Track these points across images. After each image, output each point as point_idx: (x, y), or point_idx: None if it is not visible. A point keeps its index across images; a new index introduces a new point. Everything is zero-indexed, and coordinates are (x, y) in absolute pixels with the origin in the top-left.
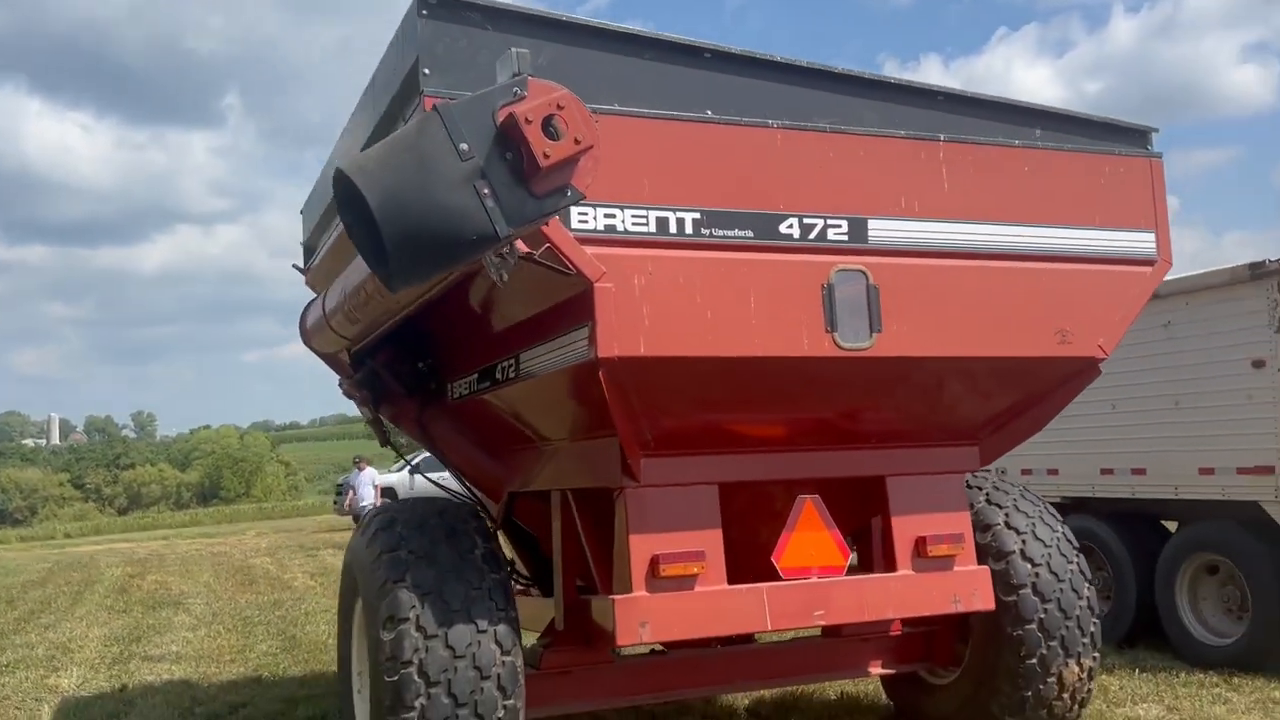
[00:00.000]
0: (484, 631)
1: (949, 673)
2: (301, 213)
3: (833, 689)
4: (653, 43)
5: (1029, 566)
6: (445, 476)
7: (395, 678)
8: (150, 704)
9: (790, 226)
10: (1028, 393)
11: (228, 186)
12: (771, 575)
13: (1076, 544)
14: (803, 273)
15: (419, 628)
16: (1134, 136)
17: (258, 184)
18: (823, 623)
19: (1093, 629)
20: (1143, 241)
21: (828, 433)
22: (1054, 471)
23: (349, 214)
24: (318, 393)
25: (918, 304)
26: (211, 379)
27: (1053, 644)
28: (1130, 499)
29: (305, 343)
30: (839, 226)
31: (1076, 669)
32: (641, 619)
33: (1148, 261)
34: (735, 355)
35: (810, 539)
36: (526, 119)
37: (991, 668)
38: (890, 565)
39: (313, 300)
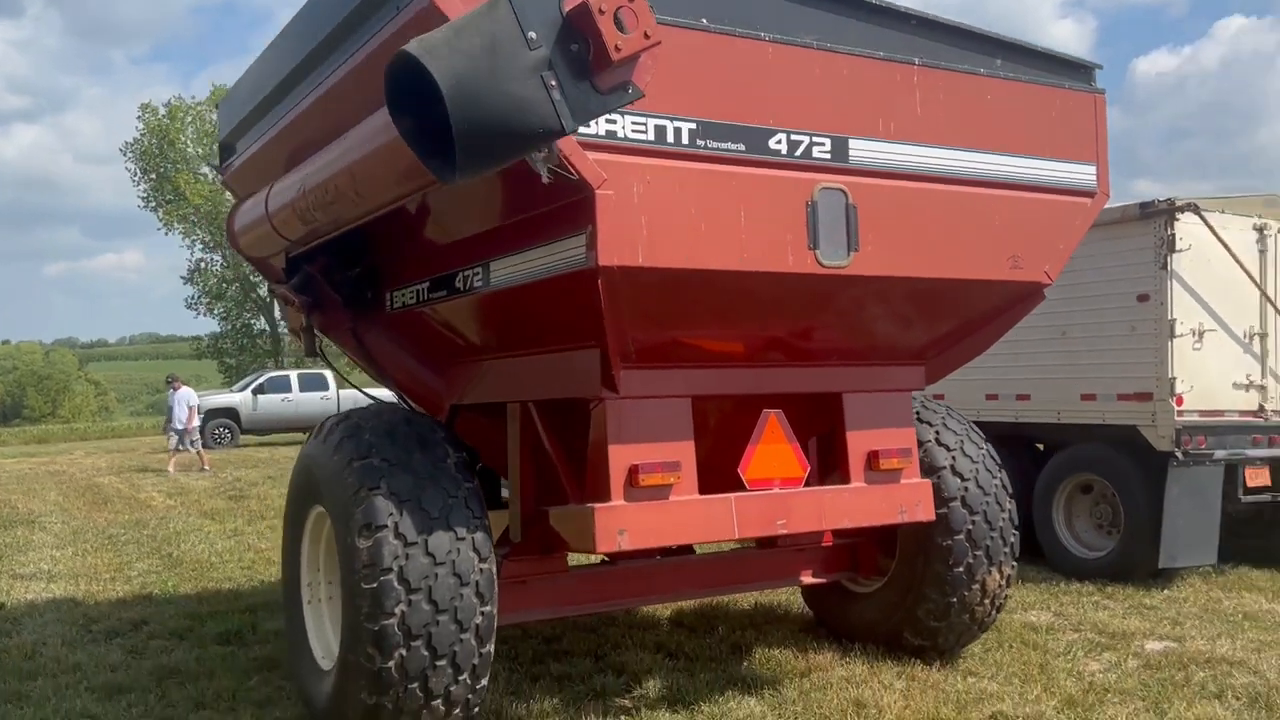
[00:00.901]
0: (462, 539)
1: (871, 582)
2: (218, 108)
3: (748, 600)
4: None
5: (958, 481)
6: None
7: (374, 584)
8: (41, 621)
9: (779, 142)
10: (976, 315)
11: (27, 83)
12: (735, 486)
13: (999, 461)
14: (789, 189)
15: (398, 535)
16: (1080, 71)
17: (61, 82)
18: (784, 531)
19: (1012, 539)
20: (1086, 173)
21: (794, 349)
22: (940, 397)
23: (404, 100)
24: (128, 310)
25: (890, 225)
26: (8, 292)
27: (978, 553)
28: (1013, 423)
29: (233, 243)
30: (823, 145)
31: (998, 576)
32: (620, 527)
33: (1089, 193)
34: (725, 269)
35: (773, 452)
36: (600, 9)
37: (920, 576)
38: (844, 477)
39: (246, 199)
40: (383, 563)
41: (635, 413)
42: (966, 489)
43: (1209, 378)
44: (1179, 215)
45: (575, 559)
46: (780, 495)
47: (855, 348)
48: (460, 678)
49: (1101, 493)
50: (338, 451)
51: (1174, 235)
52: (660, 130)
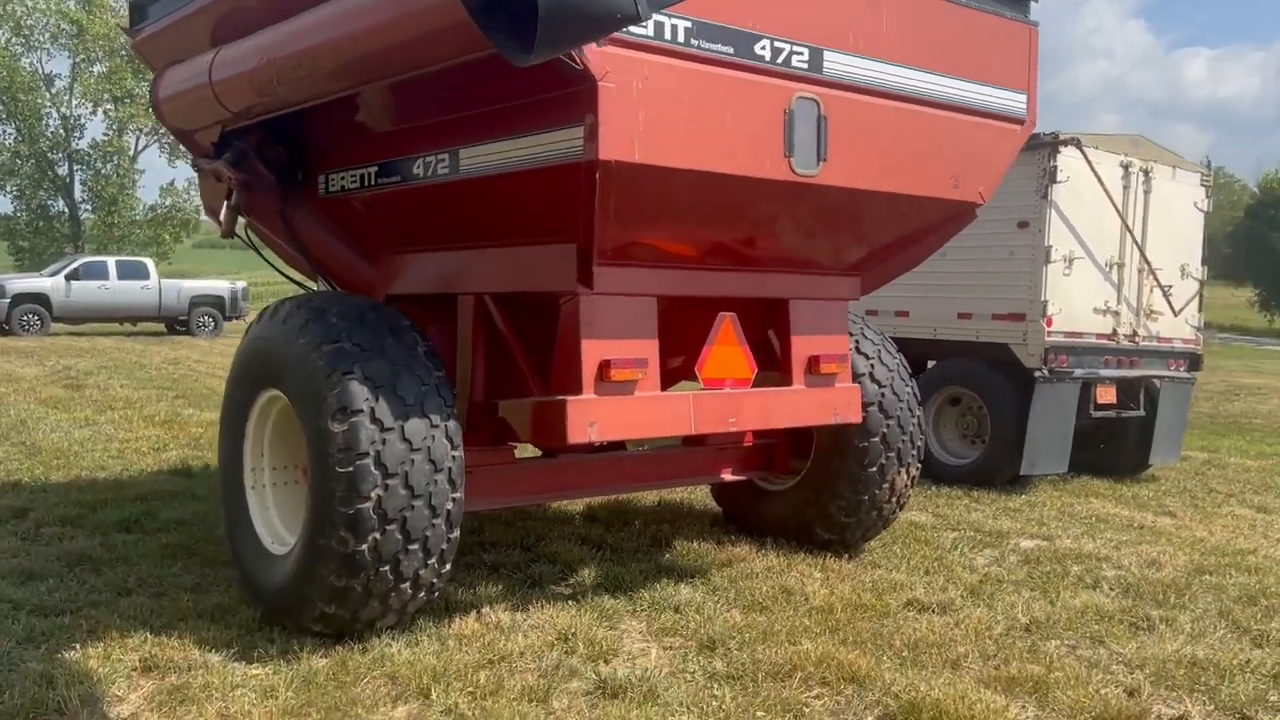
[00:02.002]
0: (436, 426)
1: (783, 480)
2: None
3: (652, 497)
4: None
5: (876, 387)
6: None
7: (350, 469)
8: None
9: (763, 48)
10: (915, 231)
11: None
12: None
13: (910, 370)
14: (770, 96)
15: (374, 419)
16: (1018, 3)
17: None
18: (734, 429)
19: (920, 443)
20: (1019, 101)
21: (751, 255)
22: None
23: None
24: None
25: (854, 138)
26: None
27: (891, 455)
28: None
29: (157, 112)
30: (801, 54)
31: (905, 476)
32: (590, 419)
33: (1020, 120)
34: (712, 170)
35: (726, 353)
36: None
37: (835, 474)
38: (787, 379)
39: (173, 65)
40: (359, 447)
41: (607, 309)
42: (883, 395)
43: (1074, 302)
44: (1061, 148)
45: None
46: (732, 394)
47: (803, 256)
48: (429, 561)
49: (969, 405)
50: (302, 335)
51: (1055, 167)
52: (659, 26)
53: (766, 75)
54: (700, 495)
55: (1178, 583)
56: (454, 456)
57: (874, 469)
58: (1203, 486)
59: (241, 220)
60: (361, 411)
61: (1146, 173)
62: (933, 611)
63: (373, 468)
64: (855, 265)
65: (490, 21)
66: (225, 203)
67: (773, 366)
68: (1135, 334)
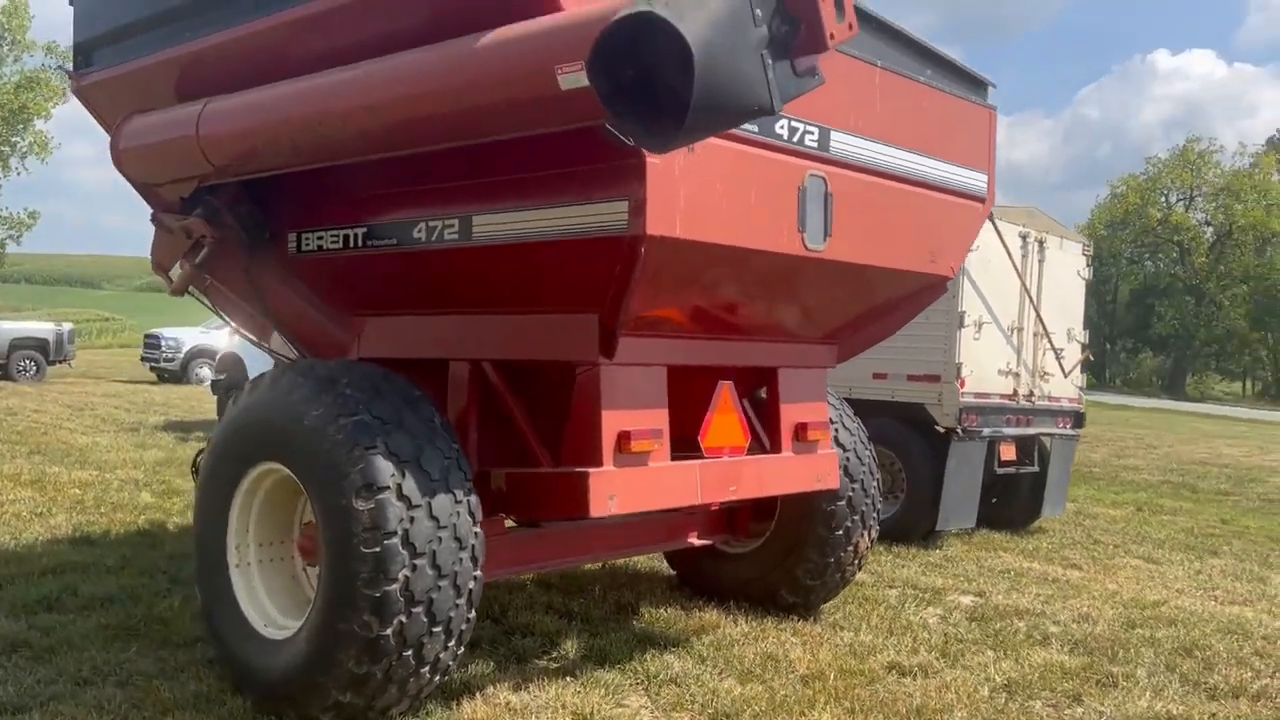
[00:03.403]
0: (460, 502)
1: (745, 543)
2: (72, 4)
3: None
4: None
5: (841, 451)
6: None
7: (377, 549)
8: None
9: (783, 127)
10: (893, 302)
11: None
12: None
13: (868, 433)
14: (787, 173)
15: (401, 496)
16: (980, 87)
17: None
18: (734, 497)
19: (880, 504)
20: (981, 180)
21: (751, 325)
22: None
23: (627, 59)
24: None
25: (855, 214)
26: None
27: (855, 518)
28: None
29: (117, 162)
30: (813, 133)
31: (867, 539)
32: (610, 491)
33: (982, 199)
34: (739, 245)
35: (725, 421)
36: None
37: (802, 538)
38: (777, 447)
39: (142, 114)
40: (386, 525)
41: (625, 379)
42: (848, 459)
43: (983, 364)
44: None
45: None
46: (732, 463)
47: (792, 326)
48: (449, 644)
49: (884, 462)
50: (313, 406)
51: None
52: None
53: (784, 153)
54: (648, 558)
55: (1118, 638)
56: (476, 533)
57: (840, 532)
58: (1088, 537)
59: None
60: (388, 488)
61: (1040, 243)
62: (916, 675)
63: (401, 547)
64: (833, 334)
65: (618, 106)
66: (184, 260)
67: (765, 433)
68: (1031, 394)
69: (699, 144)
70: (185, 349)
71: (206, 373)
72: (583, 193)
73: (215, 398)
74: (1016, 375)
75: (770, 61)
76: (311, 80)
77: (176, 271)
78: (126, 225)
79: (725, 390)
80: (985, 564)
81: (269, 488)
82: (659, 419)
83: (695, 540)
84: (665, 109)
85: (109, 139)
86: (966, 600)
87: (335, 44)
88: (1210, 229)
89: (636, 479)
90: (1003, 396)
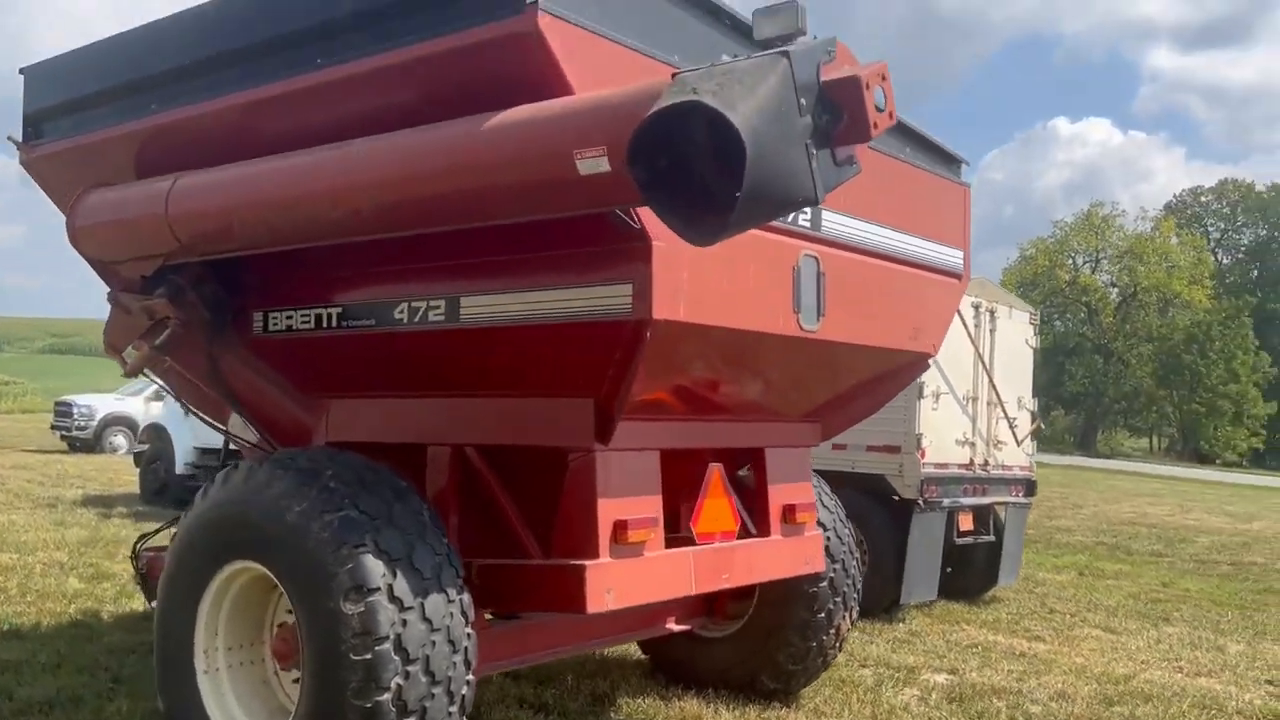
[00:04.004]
0: (453, 602)
1: (722, 627)
2: (23, 74)
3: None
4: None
5: (822, 531)
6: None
7: (368, 655)
8: None
9: None
10: (877, 379)
11: None
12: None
13: (845, 513)
14: (782, 253)
15: (393, 598)
16: (955, 164)
17: None
18: (727, 585)
19: (860, 584)
20: (958, 257)
21: (740, 405)
22: None
23: (663, 146)
24: None
25: (844, 293)
26: None
27: (838, 599)
28: None
29: (73, 238)
30: (806, 213)
31: (848, 620)
32: (608, 585)
33: (959, 275)
34: (738, 328)
35: (716, 505)
36: (867, 84)
37: (783, 621)
38: (765, 530)
39: (100, 189)
40: (378, 630)
41: (619, 466)
42: (829, 538)
43: (941, 434)
44: None
45: None
46: (724, 549)
47: (778, 405)
48: None
49: None
50: (294, 500)
51: None
52: None
53: (779, 234)
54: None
55: (1099, 717)
56: (469, 634)
57: (823, 615)
58: (1042, 606)
59: None
60: (378, 589)
61: (992, 312)
62: None
63: (393, 653)
64: (816, 412)
65: (658, 196)
66: (143, 341)
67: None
68: (986, 463)
69: None
70: (99, 417)
71: (121, 441)
72: (582, 275)
73: (138, 470)
74: (973, 444)
75: (814, 151)
76: (299, 157)
77: (131, 352)
78: (26, 285)
79: (716, 473)
80: (951, 638)
81: (240, 587)
82: (654, 506)
83: (674, 626)
84: (704, 199)
85: (65, 215)
86: (941, 679)
87: (317, 121)
88: (1115, 290)
89: (633, 570)
90: (960, 466)
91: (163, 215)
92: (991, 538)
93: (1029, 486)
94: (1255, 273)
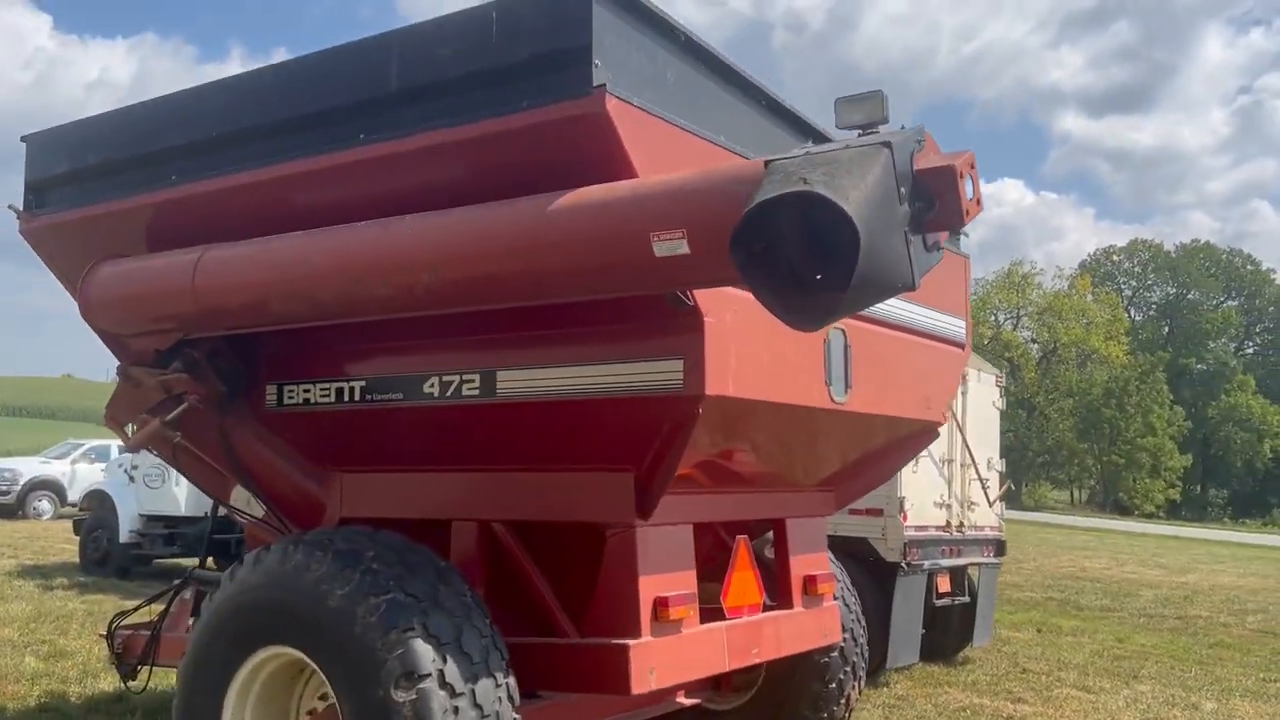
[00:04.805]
0: (500, 686)
1: (730, 700)
2: (25, 141)
3: None
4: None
5: None
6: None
7: None
8: None
9: None
10: (889, 448)
11: None
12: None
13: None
14: None
15: (444, 684)
16: (955, 235)
17: None
18: (756, 660)
19: (867, 653)
20: (960, 326)
21: (765, 476)
22: None
23: (775, 230)
24: None
25: (867, 365)
26: None
27: (847, 669)
28: None
29: (86, 311)
30: None
31: (857, 690)
32: (651, 665)
33: (961, 345)
34: (780, 401)
35: (744, 578)
36: (961, 174)
37: (795, 693)
38: (787, 603)
39: (116, 261)
40: (431, 718)
41: (658, 541)
42: (840, 608)
43: (921, 497)
44: None
45: None
46: (751, 623)
47: (799, 475)
48: None
49: None
50: (335, 583)
51: None
52: None
53: None
54: None
55: None
56: (515, 718)
57: (833, 685)
58: (1015, 666)
59: None
60: (430, 675)
61: (963, 375)
62: None
63: None
64: (830, 481)
65: (759, 282)
66: (152, 416)
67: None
68: (961, 524)
69: (742, 299)
70: (23, 480)
71: (46, 506)
72: (630, 349)
73: (77, 538)
74: (949, 506)
75: (911, 239)
76: (346, 233)
77: (135, 427)
78: None
79: (743, 546)
80: (938, 702)
81: (269, 674)
82: (690, 582)
83: (684, 700)
84: (791, 283)
85: (77, 286)
86: None
87: (354, 197)
88: (1036, 346)
89: (673, 648)
90: (938, 528)
91: (189, 288)
92: (967, 599)
93: (999, 546)
94: (1167, 329)
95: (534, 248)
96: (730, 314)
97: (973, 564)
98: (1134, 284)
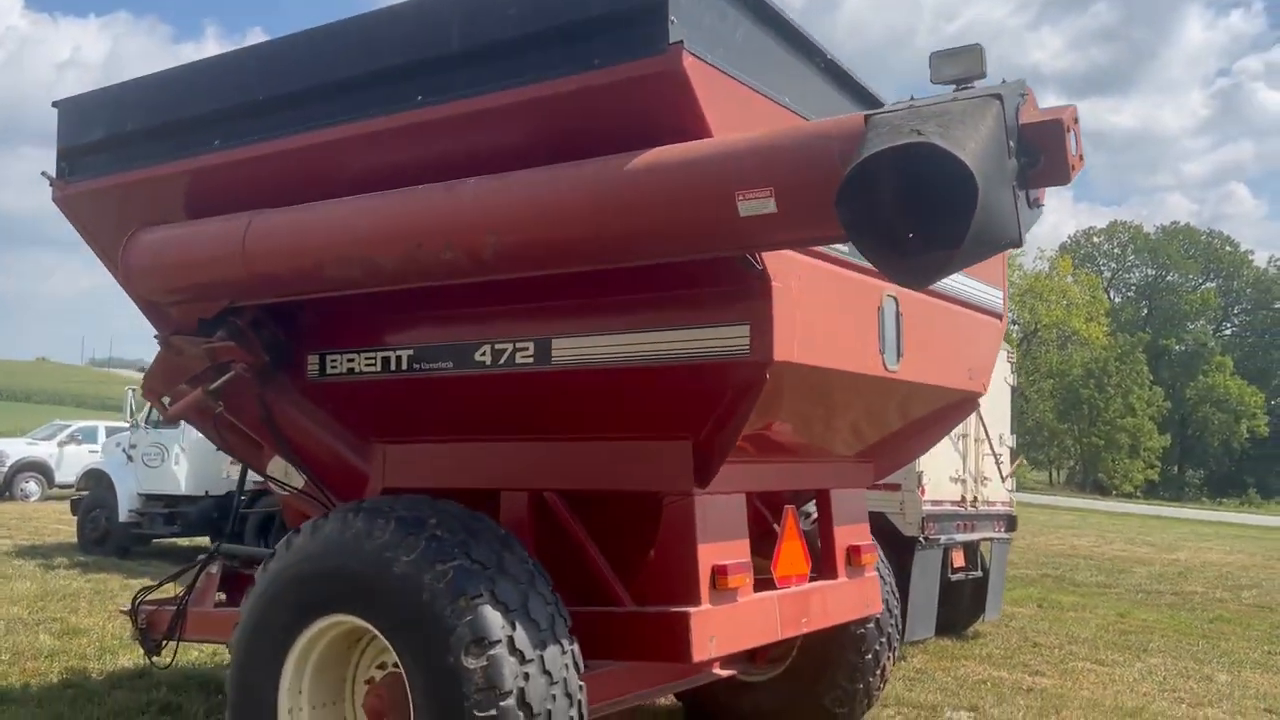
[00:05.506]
0: (566, 653)
1: (764, 671)
2: (56, 107)
3: None
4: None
5: None
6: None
7: (493, 711)
8: None
9: None
10: (930, 418)
11: None
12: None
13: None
14: (869, 295)
15: (514, 651)
16: None
17: None
18: (805, 629)
19: (900, 625)
20: (998, 296)
21: (813, 446)
22: None
23: (883, 184)
24: None
25: (917, 335)
26: None
27: (883, 640)
28: None
29: (126, 278)
30: None
31: (891, 660)
32: (711, 632)
33: (1000, 315)
34: (840, 369)
35: (792, 548)
36: (1068, 127)
37: (831, 664)
38: (831, 573)
39: (159, 229)
40: (503, 685)
41: (715, 509)
42: None
43: (937, 472)
44: None
45: None
46: (801, 593)
47: (843, 446)
48: None
49: None
50: (400, 550)
51: None
52: None
53: (868, 274)
54: None
55: None
56: (581, 686)
57: (870, 656)
58: (1026, 640)
59: None
60: (500, 642)
61: None
62: None
63: (517, 708)
64: (871, 452)
65: (866, 238)
66: (194, 385)
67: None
68: (975, 500)
69: (807, 265)
70: (10, 462)
71: (34, 488)
72: (693, 316)
73: (74, 519)
74: (963, 481)
75: (1019, 193)
76: (406, 197)
77: (171, 398)
78: None
79: (791, 516)
80: (956, 675)
81: (328, 643)
82: (745, 550)
83: (719, 671)
84: (905, 239)
85: (118, 254)
86: (964, 717)
87: (413, 159)
88: (1017, 327)
89: (731, 616)
90: (953, 503)
91: (239, 253)
92: (979, 573)
93: (1010, 521)
94: (1146, 310)
95: (611, 209)
96: (795, 279)
97: (985, 539)
98: (1114, 265)
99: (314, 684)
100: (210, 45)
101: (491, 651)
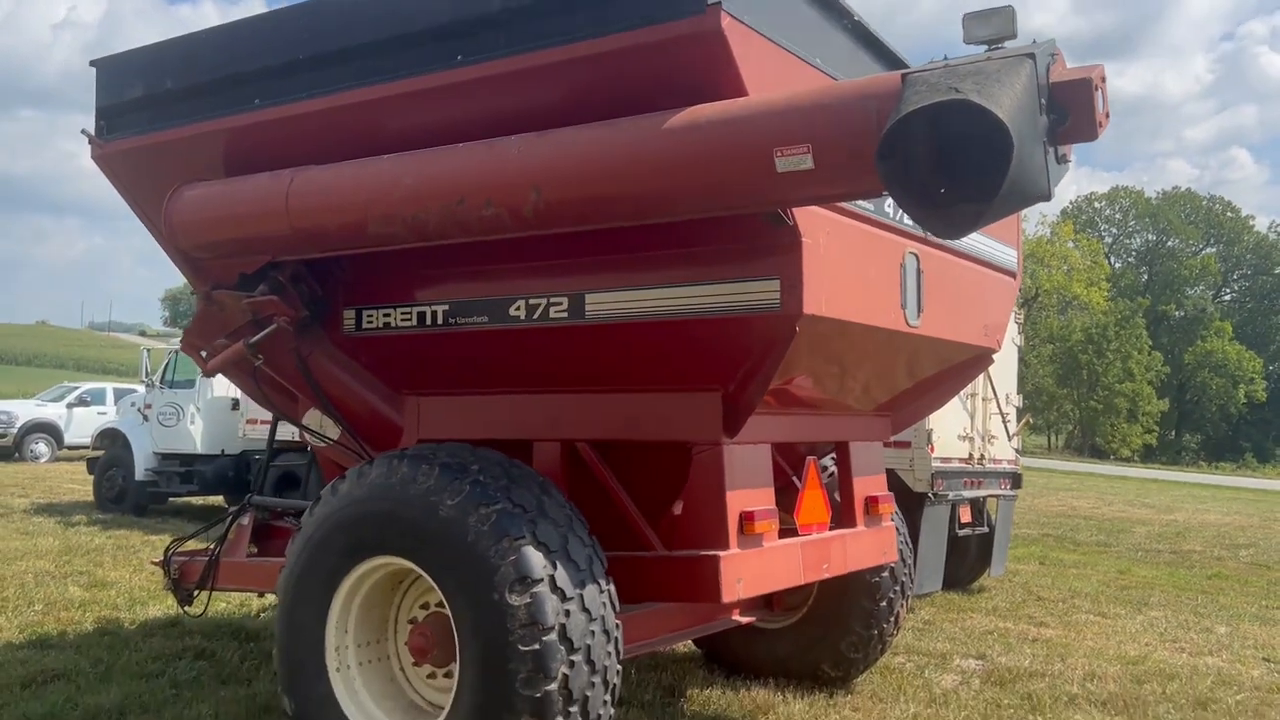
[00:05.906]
0: (603, 592)
1: (781, 618)
2: (94, 65)
3: None
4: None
5: None
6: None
7: (536, 645)
8: None
9: (890, 204)
10: (947, 374)
11: None
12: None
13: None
14: (891, 250)
15: (555, 589)
16: None
17: None
18: (826, 575)
19: (914, 574)
20: (1013, 254)
21: (833, 399)
22: None
23: (920, 140)
24: None
25: (936, 291)
26: None
27: (896, 588)
28: None
29: (170, 233)
30: None
31: (904, 607)
32: (739, 575)
33: (1014, 273)
34: (865, 323)
35: (814, 497)
36: (1096, 86)
37: (846, 611)
38: (850, 522)
39: (201, 184)
40: (545, 621)
41: (742, 458)
42: None
43: (945, 430)
44: None
45: None
46: (823, 539)
47: (863, 400)
48: None
49: None
50: (445, 494)
51: None
52: None
53: (890, 231)
54: None
55: (1136, 694)
56: (618, 625)
57: (884, 603)
58: (1030, 595)
59: None
60: (542, 580)
61: None
62: None
63: (559, 643)
64: (889, 405)
65: (904, 191)
66: (236, 338)
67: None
68: (982, 457)
69: (834, 221)
70: (19, 423)
71: (44, 449)
72: (725, 270)
73: (91, 477)
74: (971, 439)
75: (1049, 149)
76: (451, 153)
77: (211, 351)
78: None
79: (813, 466)
80: (964, 626)
81: (373, 584)
82: (770, 498)
83: (739, 617)
84: (937, 193)
85: (162, 210)
86: (973, 664)
87: (452, 119)
88: (1019, 292)
89: (757, 560)
90: (961, 460)
91: (283, 210)
92: (985, 529)
93: (1015, 479)
94: (1146, 276)
95: (651, 165)
96: (823, 235)
97: (992, 495)
98: (1115, 231)
99: (359, 622)
100: (206, 7)
101: (534, 589)
